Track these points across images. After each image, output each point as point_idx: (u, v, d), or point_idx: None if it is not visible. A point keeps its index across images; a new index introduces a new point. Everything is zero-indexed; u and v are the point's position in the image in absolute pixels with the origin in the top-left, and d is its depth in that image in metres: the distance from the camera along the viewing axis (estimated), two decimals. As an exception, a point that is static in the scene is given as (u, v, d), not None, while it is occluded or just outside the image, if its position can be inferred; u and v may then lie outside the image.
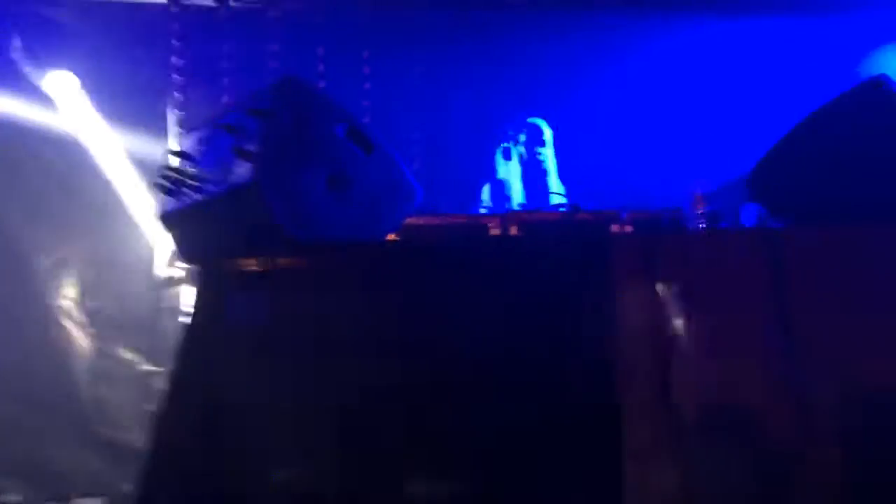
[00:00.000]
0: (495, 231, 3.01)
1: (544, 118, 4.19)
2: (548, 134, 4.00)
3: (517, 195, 3.97)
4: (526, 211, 3.47)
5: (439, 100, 5.62)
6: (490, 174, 4.11)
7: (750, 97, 5.66)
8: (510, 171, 4.00)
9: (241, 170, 2.01)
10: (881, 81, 2.35)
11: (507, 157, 4.00)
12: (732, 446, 1.91)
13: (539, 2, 5.62)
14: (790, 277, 1.98)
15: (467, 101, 5.49)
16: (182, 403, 1.97)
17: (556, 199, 3.97)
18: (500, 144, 4.08)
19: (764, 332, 1.96)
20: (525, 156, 3.97)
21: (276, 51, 5.21)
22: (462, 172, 4.22)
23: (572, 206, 3.07)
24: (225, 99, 5.04)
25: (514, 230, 3.01)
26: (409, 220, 2.69)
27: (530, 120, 4.06)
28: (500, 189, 4.00)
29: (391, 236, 2.48)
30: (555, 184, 4.02)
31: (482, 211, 3.93)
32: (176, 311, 4.40)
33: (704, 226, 2.76)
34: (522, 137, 3.99)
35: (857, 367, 1.94)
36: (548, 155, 3.99)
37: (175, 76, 4.98)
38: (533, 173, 3.99)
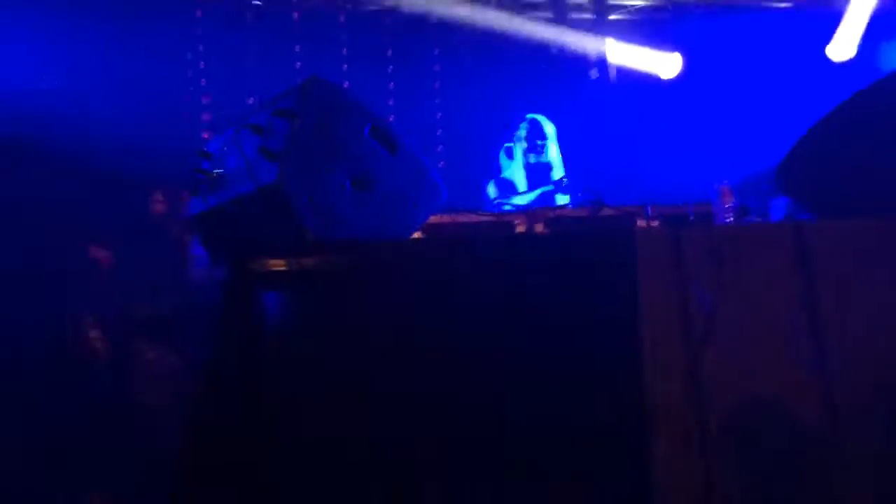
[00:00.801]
0: (521, 228, 3.00)
1: (567, 116, 4.18)
2: (549, 129, 3.99)
3: (521, 189, 3.97)
4: (551, 208, 3.45)
5: (461, 99, 5.62)
6: (496, 173, 4.12)
7: (780, 89, 5.59)
8: (516, 168, 4.00)
9: (267, 170, 2.02)
10: (908, 73, 2.31)
11: (510, 155, 4.01)
12: (759, 441, 1.89)
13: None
14: (818, 270, 1.96)
15: (489, 100, 5.49)
16: (215, 403, 1.99)
17: (562, 199, 3.95)
18: (504, 144, 4.10)
19: (792, 326, 1.94)
20: (527, 149, 3.96)
21: (300, 51, 5.26)
22: (487, 170, 4.23)
23: (597, 201, 3.05)
24: (251, 99, 5.09)
25: (539, 227, 3.00)
26: (433, 219, 2.69)
27: (530, 116, 4.05)
28: (505, 188, 4.00)
29: (416, 234, 2.49)
30: (557, 165, 4.00)
31: (504, 207, 3.92)
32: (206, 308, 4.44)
33: (732, 219, 2.73)
34: (523, 133, 3.98)
35: (884, 362, 1.92)
36: (550, 148, 3.97)
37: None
38: (535, 167, 3.97)
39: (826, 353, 1.94)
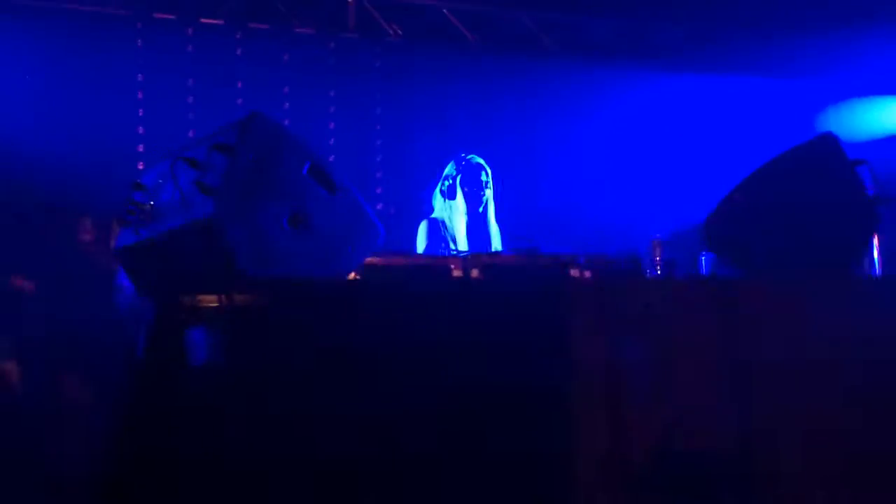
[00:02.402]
0: (457, 273, 3.01)
1: (507, 161, 4.18)
2: (489, 175, 3.93)
3: (460, 235, 3.89)
4: (487, 254, 3.48)
5: (403, 140, 5.68)
6: (427, 211, 4.04)
7: (711, 148, 5.83)
8: (449, 209, 3.90)
9: (202, 204, 2.00)
10: (829, 139, 2.45)
11: (451, 195, 3.90)
12: (683, 495, 1.93)
13: (502, 51, 5.76)
14: (740, 326, 2.03)
15: (431, 142, 5.56)
16: (133, 438, 1.93)
17: (496, 242, 3.93)
18: (439, 182, 4.01)
19: (716, 380, 2.00)
20: (468, 194, 3.89)
21: (241, 87, 5.24)
22: (425, 212, 4.23)
23: (531, 249, 3.09)
24: (190, 132, 5.04)
25: (475, 273, 3.02)
26: (369, 260, 2.69)
27: (472, 158, 3.93)
28: (436, 227, 3.91)
29: (352, 275, 2.48)
30: (494, 225, 3.98)
31: (419, 251, 3.85)
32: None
33: (661, 272, 2.81)
34: (467, 176, 3.89)
35: (803, 416, 1.99)
36: (489, 196, 3.94)
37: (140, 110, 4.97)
38: (474, 213, 3.92)
39: (748, 410, 2.00)
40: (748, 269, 2.46)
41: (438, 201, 3.99)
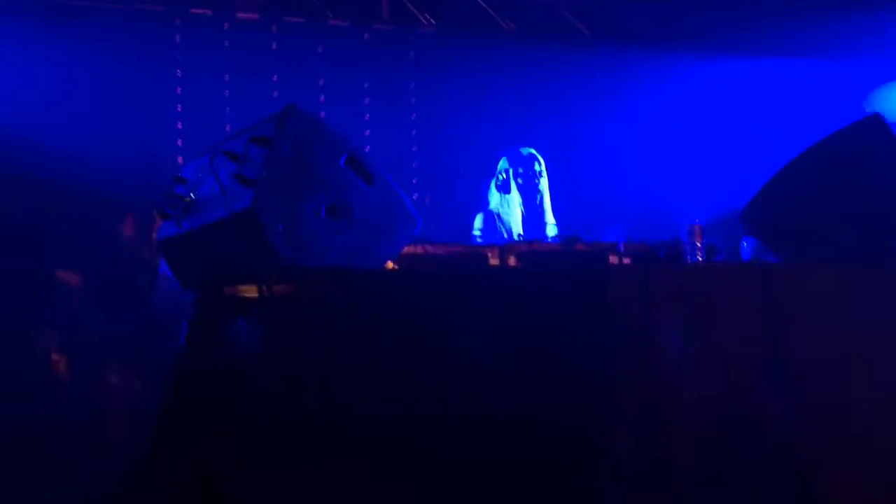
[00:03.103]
0: (494, 261, 3.01)
1: (544, 149, 4.19)
2: (543, 165, 3.99)
3: (516, 226, 3.97)
4: (524, 242, 3.47)
5: (439, 130, 5.67)
6: (484, 204, 4.10)
7: (754, 132, 5.72)
8: (506, 202, 3.98)
9: (242, 196, 2.02)
10: (876, 121, 2.38)
11: (506, 189, 3.98)
12: (725, 479, 1.91)
13: (537, 39, 5.71)
14: (781, 312, 2.00)
15: (466, 132, 5.54)
16: (178, 429, 1.96)
17: (551, 230, 3.96)
18: (494, 175, 4.06)
19: (757, 366, 1.97)
20: (523, 186, 3.95)
21: (277, 80, 5.28)
22: (461, 202, 4.23)
23: (571, 236, 3.08)
24: (227, 126, 5.09)
25: (512, 261, 3.01)
26: (407, 249, 2.70)
27: (524, 150, 4.04)
28: (492, 220, 3.99)
29: (390, 265, 2.49)
30: (549, 214, 4.01)
31: (478, 241, 3.92)
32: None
33: (701, 258, 2.77)
34: (520, 169, 3.97)
35: (842, 405, 1.95)
36: (543, 185, 3.98)
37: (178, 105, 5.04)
38: (530, 204, 3.98)
39: (790, 395, 1.96)
40: (790, 256, 2.42)
41: (494, 196, 4.04)
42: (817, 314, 2.01)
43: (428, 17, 5.64)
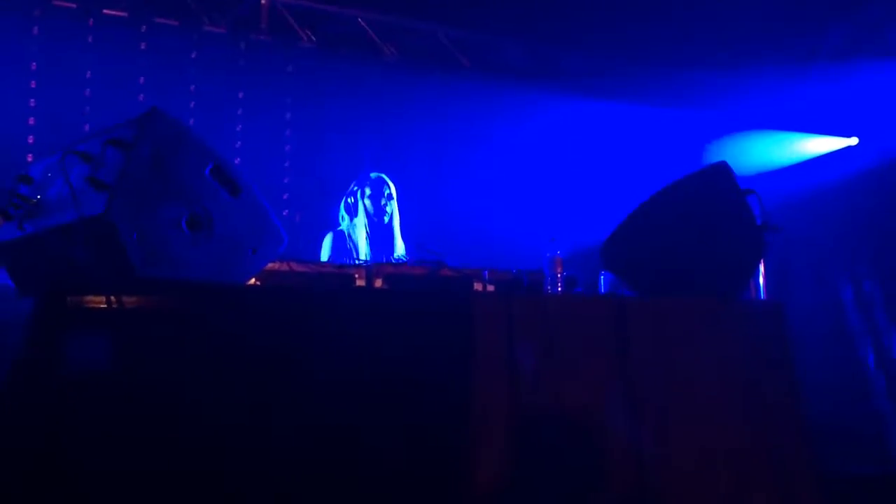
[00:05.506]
0: (360, 282, 2.99)
1: (416, 175, 4.24)
2: (392, 189, 4.08)
3: (364, 247, 4.00)
4: (392, 264, 3.47)
5: (313, 146, 5.60)
6: (333, 225, 4.13)
7: (615, 171, 6.03)
8: (353, 224, 4.03)
9: (94, 201, 1.90)
10: (722, 167, 2.56)
11: (353, 211, 4.05)
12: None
13: (417, 65, 5.79)
14: (631, 339, 2.13)
15: (341, 150, 5.51)
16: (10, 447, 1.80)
17: (399, 251, 4.03)
18: (344, 197, 4.13)
19: (608, 389, 2.08)
20: (371, 210, 4.03)
21: (145, 83, 5.06)
22: (332, 220, 4.19)
23: (437, 262, 3.10)
24: (87, 127, 4.82)
25: (378, 283, 3.00)
26: (271, 266, 2.63)
27: (373, 174, 4.12)
28: (342, 240, 4.01)
29: (252, 280, 2.42)
30: (398, 237, 4.08)
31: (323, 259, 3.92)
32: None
33: (561, 288, 2.86)
34: (368, 191, 4.05)
35: (682, 425, 2.11)
36: (392, 208, 4.06)
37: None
38: (377, 226, 4.03)
39: (638, 416, 2.08)
40: (641, 290, 2.54)
41: (343, 216, 4.11)
42: (663, 341, 2.17)
43: (309, 33, 5.59)
